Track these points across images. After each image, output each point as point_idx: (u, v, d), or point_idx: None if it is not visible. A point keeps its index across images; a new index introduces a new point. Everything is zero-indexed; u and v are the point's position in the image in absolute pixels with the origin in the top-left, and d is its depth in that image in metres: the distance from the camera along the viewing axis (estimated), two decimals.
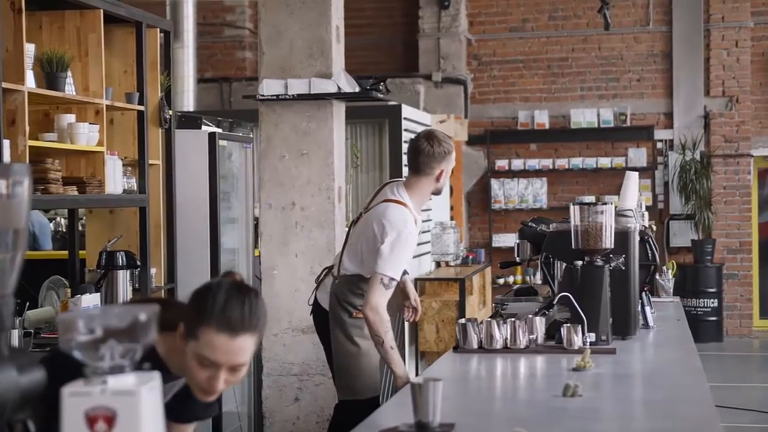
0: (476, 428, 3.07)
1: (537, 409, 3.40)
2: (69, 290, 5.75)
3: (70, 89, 5.22)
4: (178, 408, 2.95)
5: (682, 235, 13.59)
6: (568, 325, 4.51)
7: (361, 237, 5.06)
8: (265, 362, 6.58)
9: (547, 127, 13.89)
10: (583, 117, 13.78)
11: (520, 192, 13.90)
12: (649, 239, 5.35)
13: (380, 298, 4.84)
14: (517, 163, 13.90)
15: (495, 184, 13.94)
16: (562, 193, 13.74)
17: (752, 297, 13.76)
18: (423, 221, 10.56)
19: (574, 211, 4.75)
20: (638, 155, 13.68)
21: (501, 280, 13.58)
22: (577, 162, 13.77)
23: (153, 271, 6.16)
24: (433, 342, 9.16)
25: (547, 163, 13.82)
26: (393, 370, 4.90)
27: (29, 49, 4.94)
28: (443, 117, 11.97)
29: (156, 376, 1.94)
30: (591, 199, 13.14)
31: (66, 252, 6.12)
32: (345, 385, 5.11)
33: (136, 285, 5.92)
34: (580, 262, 4.70)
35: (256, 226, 7.12)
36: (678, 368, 4.22)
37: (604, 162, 13.62)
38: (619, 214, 5.51)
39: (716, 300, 13.25)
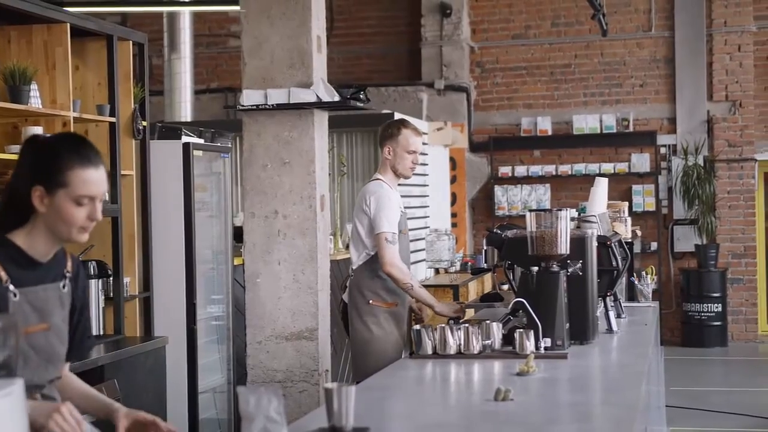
0: (389, 431, 3.11)
1: (463, 413, 3.44)
2: None
3: (36, 102, 5.30)
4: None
5: (686, 239, 13.57)
6: (521, 330, 4.55)
7: (355, 225, 5.87)
8: (249, 369, 6.63)
9: (550, 133, 13.92)
10: (585, 123, 13.79)
11: (523, 198, 13.91)
12: (612, 245, 5.36)
13: (391, 254, 5.65)
14: (521, 170, 13.91)
15: (498, 190, 13.95)
16: (566, 199, 13.71)
17: (757, 302, 13.72)
18: (420, 228, 10.64)
19: (530, 218, 4.79)
20: (641, 161, 13.66)
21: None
22: (580, 168, 13.77)
23: (128, 280, 6.23)
24: None
25: (550, 169, 13.83)
26: (430, 305, 5.73)
27: None
28: (440, 125, 12.01)
29: (17, 383, 1.99)
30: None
31: None
32: (358, 367, 5.80)
33: (110, 294, 5.99)
34: (535, 268, 4.74)
35: (234, 235, 7.18)
36: (620, 372, 4.25)
37: (607, 168, 13.61)
38: (583, 219, 5.55)
39: (720, 305, 13.22)
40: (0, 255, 2.91)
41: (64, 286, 3.06)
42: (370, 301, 5.78)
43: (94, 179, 2.93)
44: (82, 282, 3.18)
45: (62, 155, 2.92)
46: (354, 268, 5.92)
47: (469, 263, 11.25)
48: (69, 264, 3.11)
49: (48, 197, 2.91)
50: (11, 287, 2.88)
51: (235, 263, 7.28)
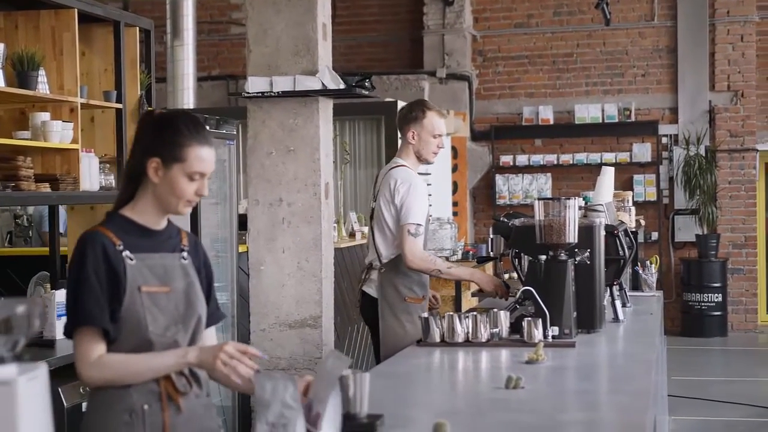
0: (403, 418, 3.12)
1: (474, 400, 3.45)
2: (49, 285, 5.82)
3: (43, 87, 5.29)
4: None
5: (687, 230, 13.59)
6: (529, 318, 4.55)
7: (382, 215, 5.60)
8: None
9: (551, 122, 13.92)
10: (587, 112, 13.79)
11: (524, 187, 13.92)
12: (619, 234, 5.36)
13: (413, 247, 5.43)
14: (522, 159, 13.92)
15: (499, 179, 13.96)
16: (567, 188, 13.73)
17: (757, 292, 13.74)
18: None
19: (538, 206, 4.79)
20: (643, 150, 13.66)
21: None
22: (582, 157, 13.77)
23: None
24: None
25: (551, 158, 13.84)
26: (470, 281, 5.73)
27: None
28: (443, 113, 11.99)
29: (41, 367, 1.99)
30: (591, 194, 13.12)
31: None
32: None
33: None
34: (543, 257, 4.74)
35: (239, 223, 7.17)
36: (629, 360, 4.25)
37: (609, 157, 13.61)
38: (590, 208, 5.55)
39: (721, 295, 13.25)
40: (113, 226, 3.07)
41: (184, 258, 3.19)
42: (406, 299, 5.60)
43: (208, 157, 3.11)
44: (204, 256, 3.32)
45: (183, 132, 3.08)
46: (384, 262, 5.66)
47: (471, 252, 11.25)
48: (185, 239, 3.25)
49: (163, 169, 3.07)
50: (127, 252, 3.03)
51: (240, 251, 7.27)
